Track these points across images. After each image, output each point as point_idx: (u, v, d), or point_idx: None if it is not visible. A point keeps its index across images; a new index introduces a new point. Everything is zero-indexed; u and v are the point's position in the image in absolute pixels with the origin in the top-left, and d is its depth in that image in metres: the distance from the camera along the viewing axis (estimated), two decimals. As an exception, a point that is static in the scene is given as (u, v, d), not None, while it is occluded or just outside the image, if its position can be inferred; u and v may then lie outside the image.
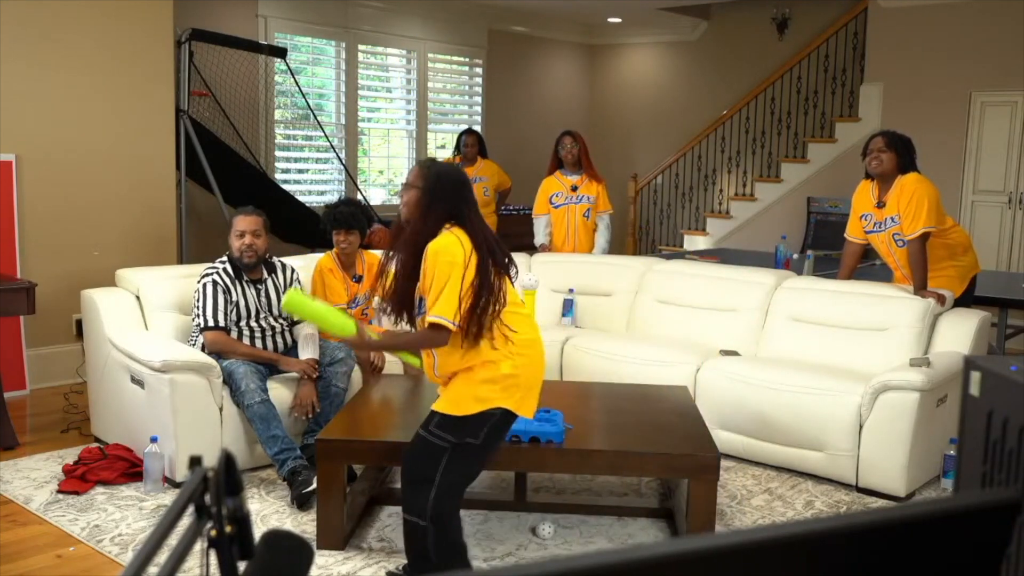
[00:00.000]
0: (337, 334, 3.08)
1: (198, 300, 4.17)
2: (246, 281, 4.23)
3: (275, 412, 3.98)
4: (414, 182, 2.98)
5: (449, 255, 2.84)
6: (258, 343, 4.25)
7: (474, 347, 2.87)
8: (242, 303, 4.21)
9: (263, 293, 4.28)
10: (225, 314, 4.15)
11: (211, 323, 4.12)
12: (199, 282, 4.20)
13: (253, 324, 4.24)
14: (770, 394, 4.32)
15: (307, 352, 4.25)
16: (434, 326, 2.85)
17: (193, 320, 4.22)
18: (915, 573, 0.92)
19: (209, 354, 4.11)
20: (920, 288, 4.53)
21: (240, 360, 4.09)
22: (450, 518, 2.95)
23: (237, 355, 4.12)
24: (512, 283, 3.00)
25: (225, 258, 4.26)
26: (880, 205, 4.64)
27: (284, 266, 4.40)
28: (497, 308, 2.88)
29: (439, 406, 2.96)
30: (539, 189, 6.13)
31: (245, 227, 4.18)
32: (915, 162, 4.62)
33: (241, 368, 4.04)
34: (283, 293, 4.33)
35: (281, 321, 4.32)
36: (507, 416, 2.92)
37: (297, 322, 4.36)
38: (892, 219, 4.60)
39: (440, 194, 2.93)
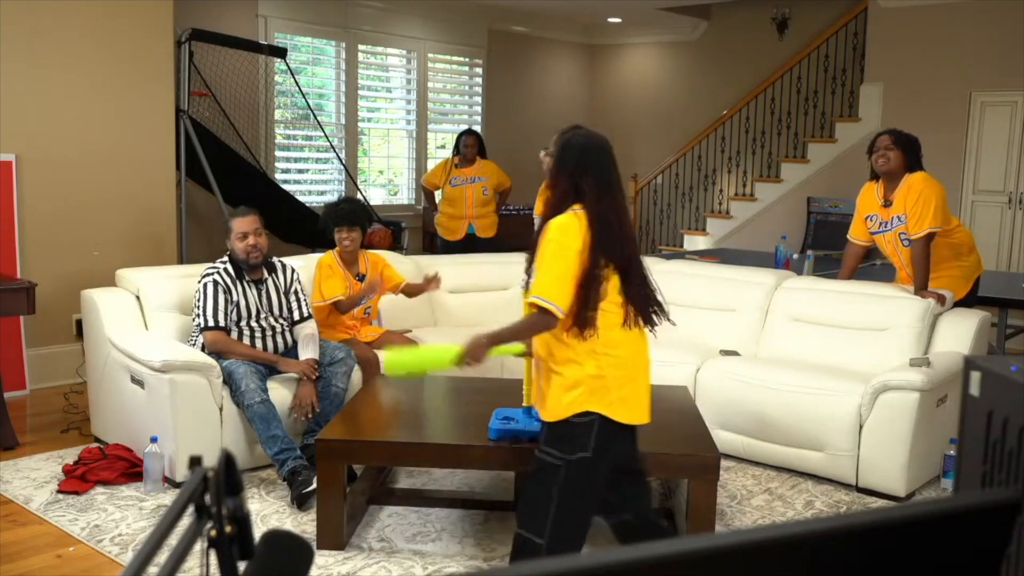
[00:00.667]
0: (448, 367, 2.87)
1: (199, 300, 4.17)
2: (247, 281, 4.23)
3: (275, 412, 3.98)
4: (551, 149, 2.81)
5: (563, 236, 2.67)
6: (259, 343, 4.25)
7: (566, 339, 2.71)
8: (243, 303, 4.21)
9: (264, 293, 4.28)
10: (225, 314, 4.15)
11: (211, 323, 4.12)
12: (200, 282, 4.20)
13: (254, 324, 4.24)
14: (770, 394, 4.32)
15: (307, 352, 4.24)
16: (540, 309, 2.67)
17: (193, 320, 4.22)
18: (915, 573, 0.92)
19: (209, 354, 4.12)
20: (921, 288, 4.52)
21: (240, 360, 4.10)
22: (571, 543, 2.78)
23: (236, 355, 4.11)
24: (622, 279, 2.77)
25: (226, 258, 4.25)
26: (887, 204, 4.62)
27: (284, 266, 4.40)
28: (599, 302, 2.69)
29: (543, 413, 2.84)
30: (539, 190, 6.14)
31: (247, 228, 4.17)
32: (921, 161, 4.61)
33: (241, 368, 4.04)
34: (283, 293, 4.33)
35: (282, 321, 4.32)
36: (610, 423, 2.75)
37: (298, 321, 4.36)
38: (898, 218, 4.58)
39: (562, 166, 2.75)
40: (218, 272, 4.19)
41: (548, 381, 2.79)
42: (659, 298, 2.84)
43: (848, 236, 4.95)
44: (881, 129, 4.99)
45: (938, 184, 4.54)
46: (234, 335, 4.19)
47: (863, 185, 4.83)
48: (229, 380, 4.03)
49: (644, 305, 2.81)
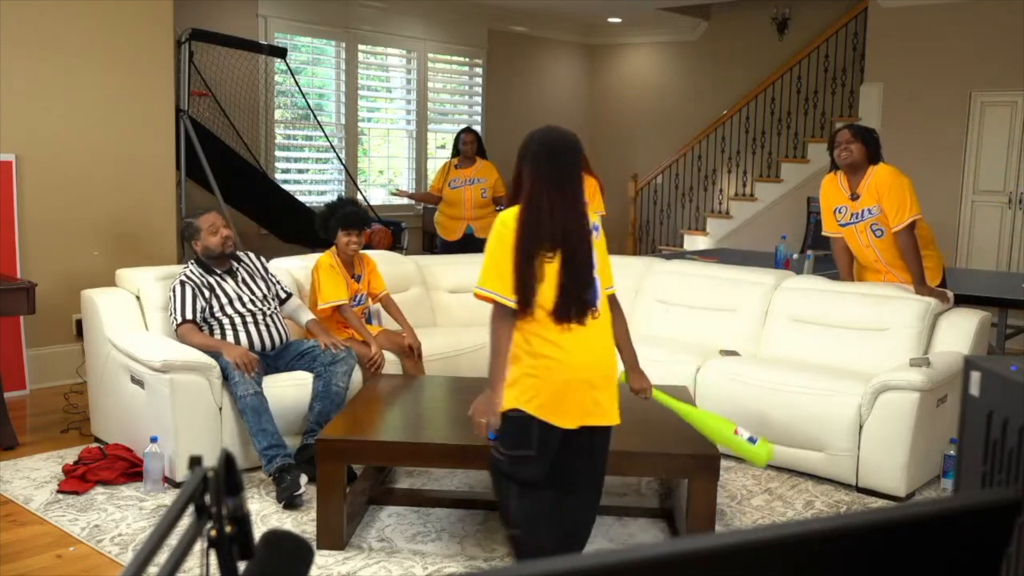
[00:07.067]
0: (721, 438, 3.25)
1: (171, 302, 4.28)
2: (218, 273, 4.34)
3: (267, 407, 3.98)
4: None
5: (502, 227, 2.76)
6: (251, 329, 4.29)
7: (518, 331, 2.76)
8: (222, 293, 4.30)
9: (240, 280, 4.38)
10: (193, 309, 4.23)
11: (179, 319, 4.22)
12: (170, 289, 4.31)
13: (241, 309, 4.30)
14: (770, 394, 4.32)
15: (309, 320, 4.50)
16: (482, 299, 2.77)
17: (172, 323, 4.28)
18: (915, 573, 0.92)
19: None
20: (919, 281, 4.51)
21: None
22: (527, 544, 2.82)
23: (196, 345, 4.13)
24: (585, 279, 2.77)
25: (191, 262, 4.38)
26: (854, 197, 4.63)
27: (247, 254, 4.55)
28: (532, 299, 2.70)
29: None
30: None
31: (219, 221, 4.34)
32: (881, 152, 4.63)
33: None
34: (259, 278, 4.43)
35: (270, 303, 4.42)
36: (547, 424, 2.73)
37: (284, 300, 4.53)
38: (869, 210, 4.58)
39: (517, 161, 2.83)
40: (185, 275, 4.30)
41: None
42: (592, 292, 2.77)
43: (825, 233, 4.89)
44: (844, 124, 4.93)
45: (905, 175, 4.55)
46: (226, 324, 4.25)
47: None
48: (227, 370, 4.04)
49: (579, 299, 2.74)
